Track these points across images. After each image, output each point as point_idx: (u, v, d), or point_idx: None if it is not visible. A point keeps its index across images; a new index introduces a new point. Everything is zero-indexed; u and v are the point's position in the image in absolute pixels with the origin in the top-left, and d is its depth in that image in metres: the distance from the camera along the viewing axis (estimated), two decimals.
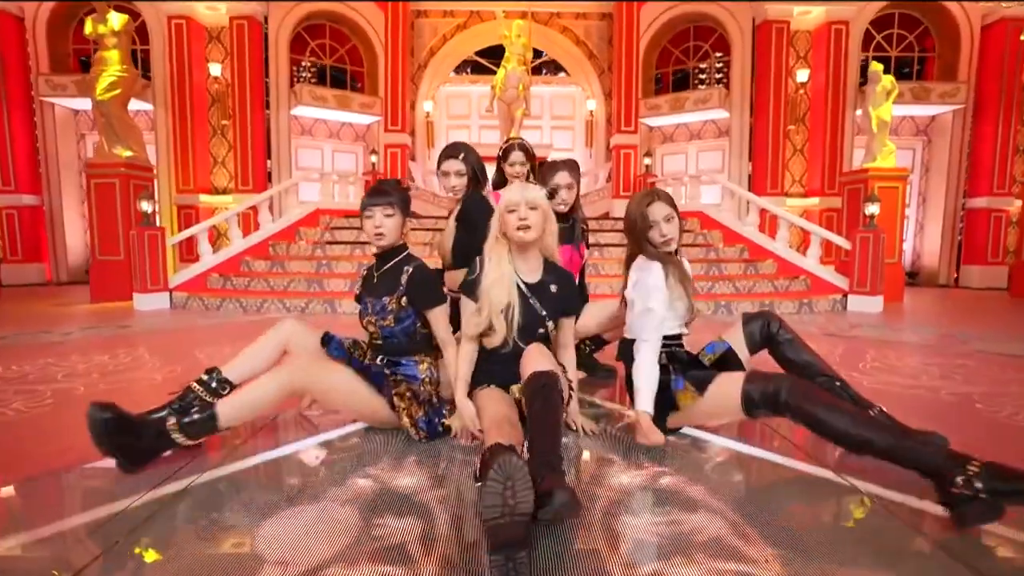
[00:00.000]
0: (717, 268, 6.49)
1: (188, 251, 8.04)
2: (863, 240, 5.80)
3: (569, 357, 1.89)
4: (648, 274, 1.77)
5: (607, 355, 2.62)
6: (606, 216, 9.40)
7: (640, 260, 1.81)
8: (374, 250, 1.94)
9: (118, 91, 6.27)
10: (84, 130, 9.09)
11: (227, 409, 1.66)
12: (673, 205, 1.82)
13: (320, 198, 7.85)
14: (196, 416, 1.66)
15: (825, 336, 4.32)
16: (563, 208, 2.35)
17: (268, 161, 8.94)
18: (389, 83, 9.63)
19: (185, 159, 8.61)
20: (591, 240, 3.04)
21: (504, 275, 1.75)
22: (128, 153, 6.47)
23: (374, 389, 1.84)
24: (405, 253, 1.95)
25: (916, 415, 2.02)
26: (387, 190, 1.88)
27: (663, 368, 1.78)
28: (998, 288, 8.28)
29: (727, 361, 1.87)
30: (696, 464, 1.64)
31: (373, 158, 9.57)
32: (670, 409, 1.75)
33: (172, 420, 1.65)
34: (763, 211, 7.19)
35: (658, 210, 1.78)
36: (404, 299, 1.85)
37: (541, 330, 1.77)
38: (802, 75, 8.65)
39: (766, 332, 1.86)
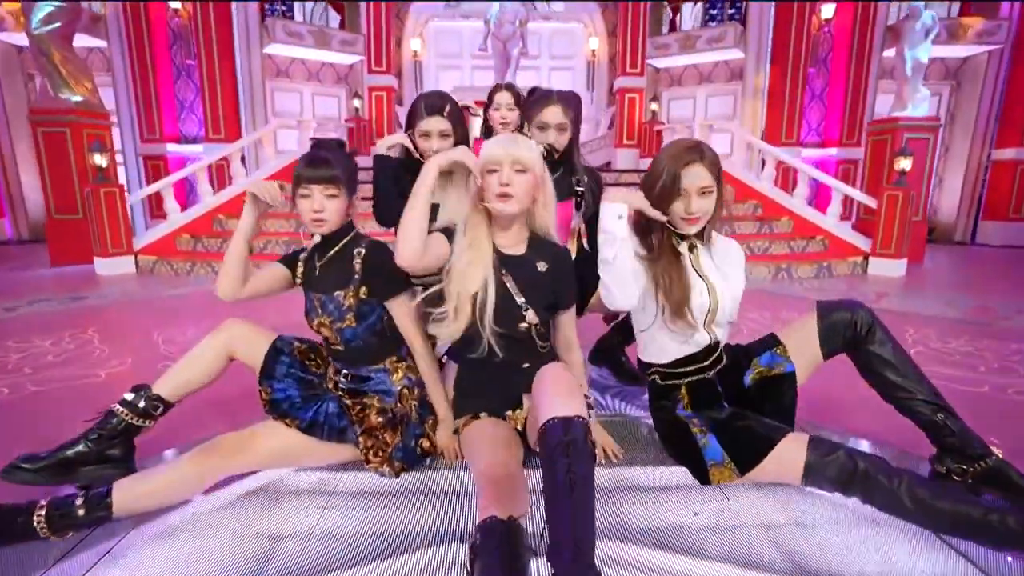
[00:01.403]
0: (729, 227, 6.02)
1: (159, 207, 7.43)
2: (891, 198, 5.33)
3: (574, 358, 1.48)
4: (608, 224, 1.35)
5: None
6: (607, 167, 8.79)
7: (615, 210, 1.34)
8: (310, 234, 1.49)
9: (57, 24, 5.47)
10: (32, 69, 8.18)
11: (124, 497, 1.29)
12: (718, 174, 1.34)
13: (298, 148, 7.17)
14: (79, 508, 1.25)
15: None
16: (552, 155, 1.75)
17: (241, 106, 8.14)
18: (372, 18, 8.67)
19: (148, 104, 7.81)
20: None
21: (483, 254, 1.34)
22: (77, 98, 5.75)
23: (333, 434, 1.44)
24: (352, 233, 1.51)
25: (990, 425, 1.60)
26: (328, 160, 1.41)
27: (682, 419, 1.41)
28: (1018, 246, 7.90)
29: (779, 387, 1.46)
30: (755, 509, 1.28)
31: (356, 103, 8.77)
32: (698, 477, 1.37)
33: (41, 514, 1.23)
34: (778, 163, 6.65)
35: (696, 176, 1.31)
36: (364, 289, 1.44)
37: (522, 325, 1.35)
38: (827, 10, 7.83)
39: (853, 333, 1.41)
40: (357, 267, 1.45)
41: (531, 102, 1.82)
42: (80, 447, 1.44)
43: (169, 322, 3.35)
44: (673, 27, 9.28)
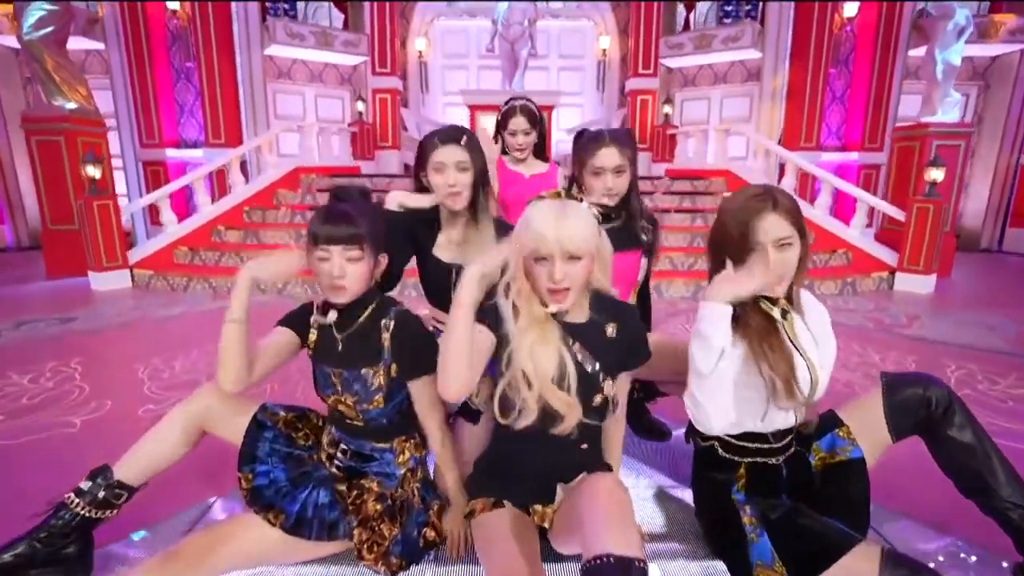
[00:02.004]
0: None
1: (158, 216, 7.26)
2: (921, 211, 5.04)
3: (616, 438, 1.29)
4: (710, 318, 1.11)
5: (660, 409, 1.99)
6: None
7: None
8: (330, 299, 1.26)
9: (49, 29, 5.28)
10: (30, 73, 8.03)
11: None
12: (797, 222, 1.11)
13: (300, 153, 6.98)
14: None
15: (880, 333, 3.69)
16: (609, 201, 1.58)
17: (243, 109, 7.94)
18: (376, 17, 8.43)
19: (147, 108, 7.62)
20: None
21: (548, 328, 1.12)
22: (71, 105, 5.57)
23: (323, 531, 1.23)
24: (377, 299, 1.30)
25: None
26: (350, 215, 1.18)
27: (733, 501, 1.18)
28: None
29: (846, 476, 1.25)
30: None
31: (360, 106, 8.54)
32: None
33: None
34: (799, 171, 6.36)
35: (772, 227, 1.09)
36: (395, 367, 1.26)
37: (598, 397, 1.15)
38: (850, 8, 7.49)
39: (927, 413, 1.20)
40: (386, 343, 1.24)
41: (581, 146, 1.61)
42: (23, 548, 1.25)
43: (157, 351, 3.17)
44: (687, 26, 8.95)
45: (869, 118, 7.73)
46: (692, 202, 6.46)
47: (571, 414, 1.10)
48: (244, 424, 1.34)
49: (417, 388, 1.28)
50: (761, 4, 8.09)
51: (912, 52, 7.41)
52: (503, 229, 1.50)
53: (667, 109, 8.63)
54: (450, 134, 1.47)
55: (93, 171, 4.87)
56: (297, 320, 1.33)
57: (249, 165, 7.46)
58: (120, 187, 7.44)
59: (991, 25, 7.47)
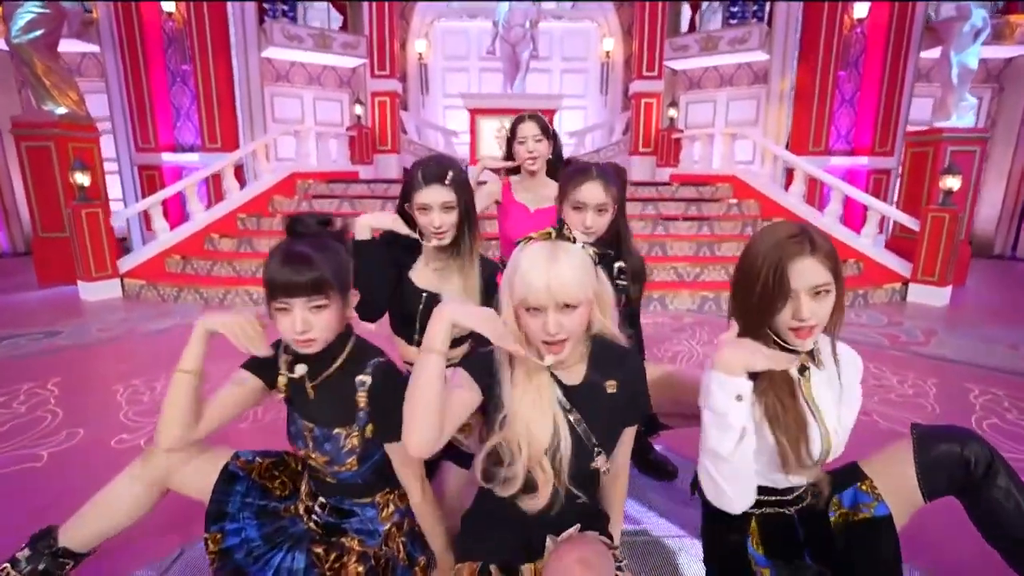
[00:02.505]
0: None
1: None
2: (936, 220, 4.86)
3: (619, 496, 1.17)
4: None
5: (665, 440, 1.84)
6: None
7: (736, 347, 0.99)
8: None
9: (39, 32, 5.15)
10: (20, 77, 7.92)
11: None
12: (836, 267, 0.97)
13: (296, 158, 6.85)
14: None
15: (896, 351, 3.52)
16: (586, 239, 1.47)
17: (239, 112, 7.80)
18: (375, 18, 8.29)
19: (142, 112, 7.50)
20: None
21: (546, 391, 1.01)
22: (62, 110, 5.45)
23: None
24: (352, 342, 1.15)
25: None
26: (309, 258, 1.02)
27: (750, 561, 1.06)
28: None
29: (874, 536, 1.09)
30: None
31: (358, 109, 8.40)
32: None
33: None
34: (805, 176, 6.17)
35: (809, 273, 0.94)
36: (370, 428, 1.14)
37: (592, 465, 1.05)
38: (860, 9, 7.30)
39: (965, 473, 1.04)
40: (362, 401, 1.11)
41: (567, 175, 1.53)
42: None
43: (140, 370, 3.03)
44: (692, 27, 8.78)
45: (880, 122, 7.54)
46: (698, 209, 6.30)
47: (545, 489, 0.99)
48: (213, 477, 1.20)
49: (396, 451, 1.15)
50: (769, 5, 7.91)
51: (924, 54, 7.21)
52: (487, 266, 1.46)
53: (672, 112, 8.46)
54: (435, 173, 1.37)
55: (82, 178, 4.75)
56: (260, 364, 1.17)
57: (246, 170, 7.33)
58: (116, 192, 7.33)
59: (1006, 26, 7.27)
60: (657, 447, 1.96)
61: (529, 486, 1.00)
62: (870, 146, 7.64)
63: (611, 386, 1.04)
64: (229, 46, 7.35)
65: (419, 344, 1.58)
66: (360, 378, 1.11)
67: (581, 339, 1.02)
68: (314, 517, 1.21)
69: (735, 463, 0.94)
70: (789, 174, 6.99)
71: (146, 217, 6.96)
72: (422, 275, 1.49)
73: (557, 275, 0.90)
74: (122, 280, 5.03)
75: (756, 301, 0.98)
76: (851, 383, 1.08)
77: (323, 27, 8.24)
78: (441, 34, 9.76)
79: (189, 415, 1.09)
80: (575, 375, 1.04)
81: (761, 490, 1.08)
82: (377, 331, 1.48)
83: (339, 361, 1.13)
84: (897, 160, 7.26)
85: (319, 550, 1.15)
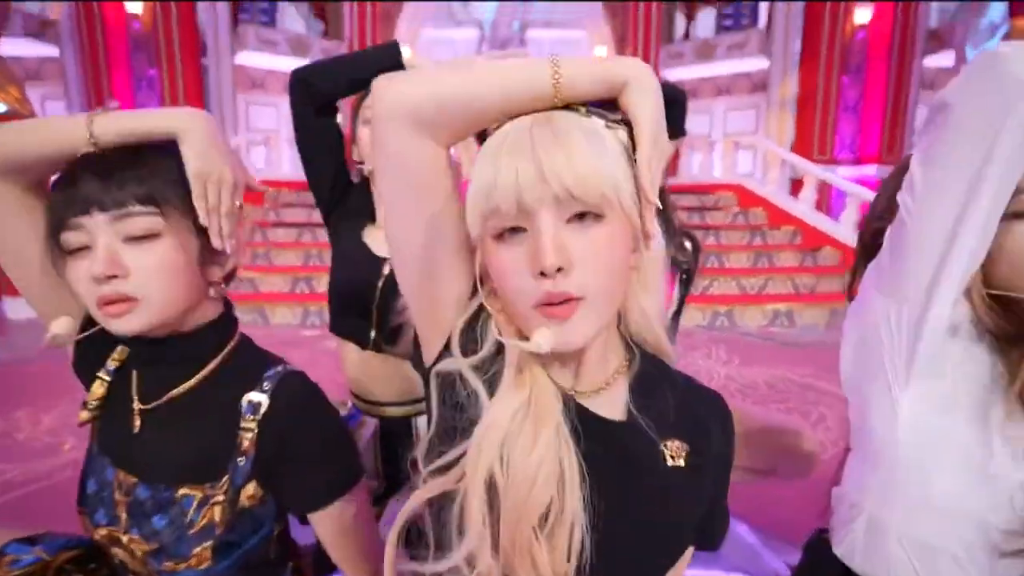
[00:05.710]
0: (767, 259, 5.10)
1: None
2: None
3: None
4: None
5: None
6: None
7: None
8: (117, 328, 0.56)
9: None
10: None
11: None
12: None
13: (265, 166, 6.35)
14: None
15: None
16: None
17: None
18: (355, 23, 7.92)
19: None
20: None
21: (548, 407, 0.45)
22: (2, 108, 4.91)
23: None
24: (236, 340, 0.65)
25: None
26: (130, 160, 0.55)
27: None
28: None
29: None
30: None
31: (339, 118, 7.94)
32: None
33: None
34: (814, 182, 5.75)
35: None
36: (253, 486, 0.59)
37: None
38: (863, 14, 7.02)
39: None
40: (247, 438, 0.58)
41: None
42: None
43: (30, 399, 2.44)
44: (687, 36, 8.50)
45: (887, 129, 7.19)
46: (702, 218, 5.84)
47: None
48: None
49: (327, 521, 0.63)
50: (767, 10, 7.64)
51: (927, 61, 6.93)
52: None
53: None
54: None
55: None
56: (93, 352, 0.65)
57: None
58: None
59: (1013, 31, 7.00)
60: None
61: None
62: (877, 155, 7.27)
63: (675, 452, 0.49)
64: (198, 50, 6.91)
65: (376, 347, 1.03)
66: (250, 397, 0.58)
67: (611, 322, 0.49)
68: None
69: None
70: (794, 184, 6.59)
71: None
72: (380, 239, 1.03)
73: (561, 147, 0.40)
74: None
75: None
76: None
77: (300, 32, 7.86)
78: (427, 44, 9.43)
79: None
80: (609, 404, 0.50)
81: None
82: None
83: (209, 368, 0.61)
84: None
85: None
